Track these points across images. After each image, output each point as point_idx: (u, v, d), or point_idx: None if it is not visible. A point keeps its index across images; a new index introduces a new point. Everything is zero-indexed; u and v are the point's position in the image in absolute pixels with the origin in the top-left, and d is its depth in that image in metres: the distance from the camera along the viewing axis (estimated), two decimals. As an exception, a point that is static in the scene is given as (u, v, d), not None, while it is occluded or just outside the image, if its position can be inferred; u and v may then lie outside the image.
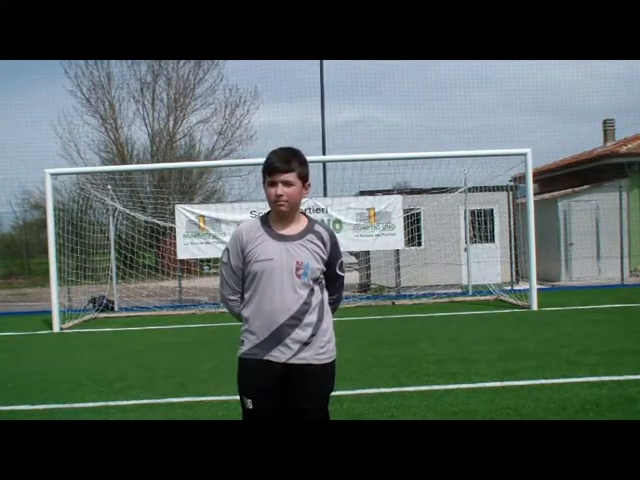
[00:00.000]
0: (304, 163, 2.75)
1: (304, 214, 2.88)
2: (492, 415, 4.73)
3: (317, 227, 2.83)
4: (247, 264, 2.76)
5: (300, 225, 2.80)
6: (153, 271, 15.58)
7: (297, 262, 2.71)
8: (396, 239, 12.80)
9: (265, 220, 2.83)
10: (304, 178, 2.75)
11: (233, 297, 2.87)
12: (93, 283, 13.90)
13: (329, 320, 2.85)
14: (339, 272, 2.91)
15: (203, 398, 5.63)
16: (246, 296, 2.81)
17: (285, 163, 2.69)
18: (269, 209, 2.85)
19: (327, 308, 2.86)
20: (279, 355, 2.71)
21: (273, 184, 2.71)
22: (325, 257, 2.79)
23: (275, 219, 2.80)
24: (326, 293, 2.87)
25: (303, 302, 2.71)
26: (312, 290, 2.75)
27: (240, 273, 2.81)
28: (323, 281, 2.84)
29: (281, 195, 2.69)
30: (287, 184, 2.69)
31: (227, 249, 2.84)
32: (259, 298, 2.73)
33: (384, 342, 8.20)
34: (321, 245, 2.78)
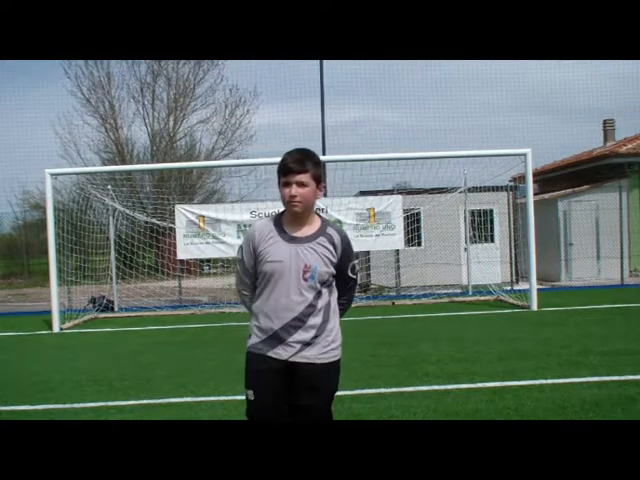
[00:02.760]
0: (318, 164, 2.80)
1: (318, 215, 2.91)
2: (492, 415, 4.73)
3: (329, 230, 2.86)
4: (259, 263, 2.82)
5: (313, 227, 2.84)
6: (153, 271, 15.57)
7: (305, 265, 2.75)
8: (396, 239, 12.81)
9: (278, 220, 2.86)
10: (318, 179, 2.79)
11: (246, 292, 2.97)
12: (93, 283, 13.90)
13: (335, 321, 2.89)
14: (351, 275, 2.94)
15: (203, 398, 5.63)
16: (257, 292, 2.88)
17: (299, 164, 2.72)
18: (283, 209, 2.87)
19: (335, 309, 2.90)
20: (282, 352, 2.77)
21: (287, 184, 2.73)
22: (335, 260, 2.82)
23: (288, 219, 2.83)
24: (335, 295, 2.91)
25: (308, 304, 2.76)
26: (319, 293, 2.79)
27: (253, 270, 2.88)
28: (333, 283, 2.87)
29: (295, 196, 2.72)
30: (301, 185, 2.72)
31: (241, 247, 2.92)
32: (267, 297, 2.80)
33: (384, 342, 8.19)
34: (331, 248, 2.81)
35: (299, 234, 2.80)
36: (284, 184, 2.74)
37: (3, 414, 5.41)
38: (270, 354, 2.78)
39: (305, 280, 2.74)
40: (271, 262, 2.76)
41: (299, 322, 2.75)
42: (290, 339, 2.75)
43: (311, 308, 2.76)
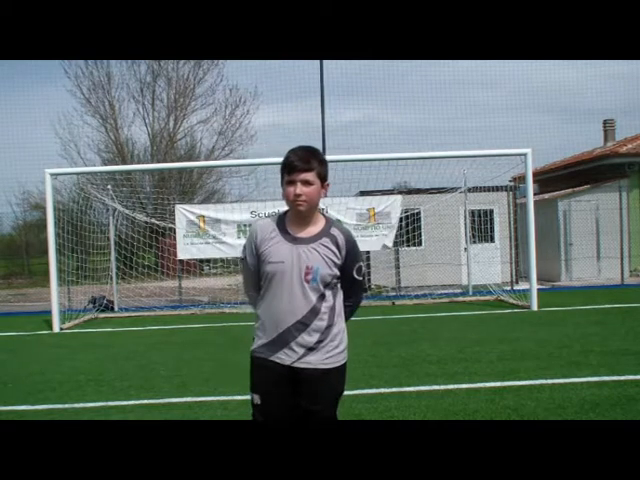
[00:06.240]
0: (323, 162, 2.69)
1: (323, 215, 2.82)
2: (492, 415, 4.73)
3: (334, 230, 2.76)
4: (261, 263, 2.74)
5: (317, 227, 2.75)
6: (153, 271, 15.56)
7: (307, 267, 2.65)
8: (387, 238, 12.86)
9: (282, 220, 2.77)
10: (323, 178, 2.68)
11: (253, 293, 2.88)
12: (93, 283, 13.90)
13: (341, 325, 2.80)
14: (356, 276, 2.82)
15: (203, 398, 5.63)
16: (261, 293, 2.80)
17: (304, 162, 2.61)
18: (285, 208, 2.78)
19: (340, 312, 2.80)
20: (284, 357, 2.69)
21: (292, 183, 2.63)
22: (339, 262, 2.72)
23: (292, 219, 2.74)
24: (340, 297, 2.81)
25: (311, 307, 2.67)
26: (322, 295, 2.70)
27: (255, 270, 2.79)
28: (338, 285, 2.78)
29: (300, 194, 2.62)
30: (306, 183, 2.62)
31: (244, 246, 2.84)
32: (270, 299, 2.72)
33: (384, 342, 8.19)
34: (335, 249, 2.71)
35: (302, 234, 2.71)
36: (288, 182, 2.63)
37: (3, 414, 5.40)
38: (273, 358, 2.70)
39: (307, 282, 2.65)
40: (272, 263, 2.67)
41: (302, 325, 2.66)
42: (293, 343, 2.67)
43: (315, 311, 2.67)
